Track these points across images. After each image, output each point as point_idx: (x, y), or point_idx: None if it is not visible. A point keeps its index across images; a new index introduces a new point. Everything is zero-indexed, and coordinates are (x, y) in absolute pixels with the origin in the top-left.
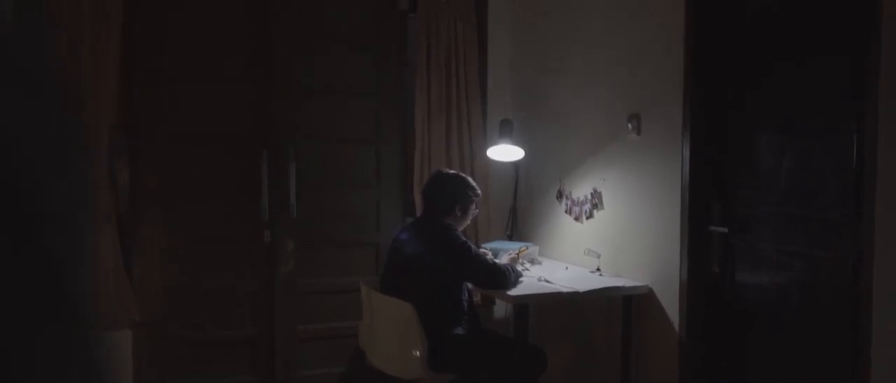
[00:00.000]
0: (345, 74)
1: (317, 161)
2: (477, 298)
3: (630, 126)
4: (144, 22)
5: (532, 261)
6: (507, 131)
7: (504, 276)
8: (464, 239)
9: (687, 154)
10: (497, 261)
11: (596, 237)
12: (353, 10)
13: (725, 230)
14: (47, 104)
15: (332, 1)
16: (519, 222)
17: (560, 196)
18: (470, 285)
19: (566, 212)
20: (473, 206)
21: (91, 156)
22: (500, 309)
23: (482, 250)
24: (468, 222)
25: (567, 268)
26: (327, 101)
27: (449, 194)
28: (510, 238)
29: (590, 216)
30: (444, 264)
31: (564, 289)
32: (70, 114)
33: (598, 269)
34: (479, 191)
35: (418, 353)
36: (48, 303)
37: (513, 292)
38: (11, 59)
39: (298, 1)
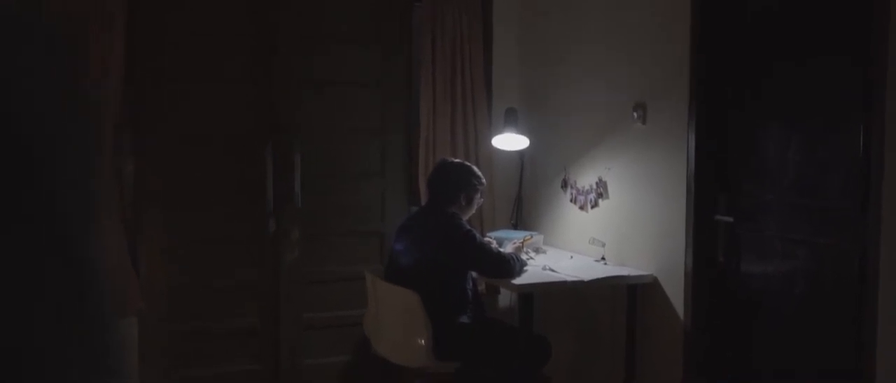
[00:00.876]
0: (350, 65)
1: (322, 152)
2: (481, 287)
3: (635, 115)
4: (145, 22)
5: (537, 250)
6: (512, 120)
7: (509, 265)
8: (468, 227)
9: (692, 143)
10: (502, 249)
11: (601, 226)
12: (358, 0)
13: (731, 219)
14: (58, 101)
15: None
16: (524, 211)
17: (565, 185)
18: (475, 274)
19: (571, 201)
20: (478, 195)
21: (100, 152)
22: (505, 298)
23: (487, 239)
24: (473, 211)
25: (572, 257)
26: (333, 93)
27: (453, 183)
28: (515, 227)
29: (595, 205)
30: (449, 253)
31: (569, 278)
32: (81, 112)
33: (603, 258)
34: (484, 181)
35: (423, 342)
36: (67, 298)
37: (517, 281)
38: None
39: None
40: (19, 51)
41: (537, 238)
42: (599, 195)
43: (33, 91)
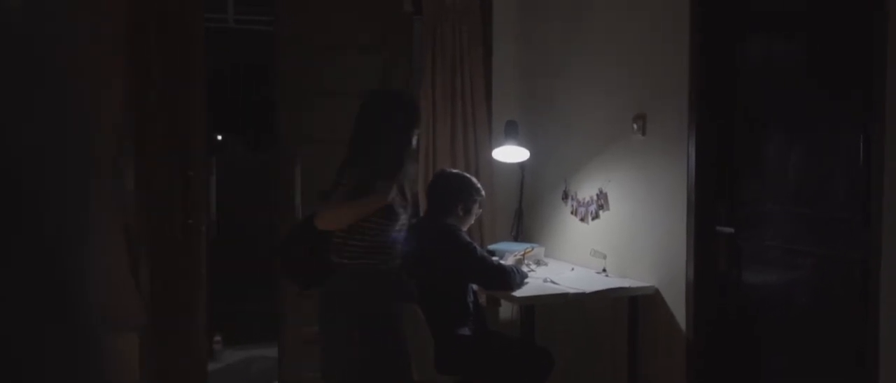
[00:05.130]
0: (351, 76)
1: (322, 162)
2: (482, 299)
3: (635, 126)
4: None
5: (538, 262)
6: (512, 132)
7: (509, 277)
8: (468, 239)
9: (693, 154)
10: (502, 262)
11: (602, 238)
12: (359, 12)
13: (732, 230)
14: (55, 101)
15: (338, 4)
16: (524, 223)
17: (565, 197)
18: (475, 286)
19: (572, 212)
20: (476, 206)
21: (97, 157)
22: (506, 310)
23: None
24: (472, 222)
25: (573, 268)
26: (333, 104)
27: (451, 193)
28: (516, 239)
29: (595, 217)
30: (449, 265)
31: (570, 290)
32: (78, 113)
33: (604, 270)
34: (483, 191)
35: (425, 355)
36: (51, 305)
37: (519, 293)
38: (19, 52)
39: (304, 4)
40: (28, 43)
41: (538, 250)
42: (600, 207)
43: (23, 109)
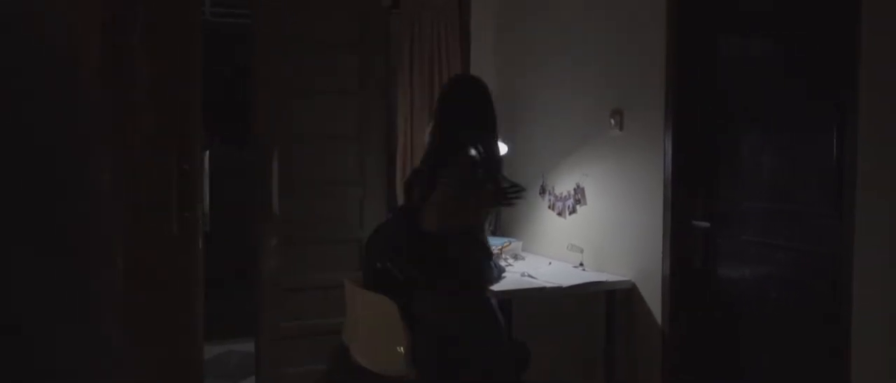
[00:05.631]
0: (329, 73)
1: (300, 159)
2: None
3: (612, 122)
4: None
5: (515, 257)
6: None
7: (487, 272)
8: None
9: (669, 149)
10: None
11: (579, 232)
12: (336, 7)
13: (708, 224)
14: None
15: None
16: (502, 218)
17: (543, 191)
18: None
19: (549, 207)
20: None
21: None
22: None
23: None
24: None
25: (550, 263)
26: (311, 100)
27: None
28: (494, 233)
29: (573, 211)
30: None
31: (548, 284)
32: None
33: (581, 264)
34: None
35: (402, 349)
36: (70, 298)
37: (496, 287)
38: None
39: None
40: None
41: (516, 244)
42: (577, 201)
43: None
